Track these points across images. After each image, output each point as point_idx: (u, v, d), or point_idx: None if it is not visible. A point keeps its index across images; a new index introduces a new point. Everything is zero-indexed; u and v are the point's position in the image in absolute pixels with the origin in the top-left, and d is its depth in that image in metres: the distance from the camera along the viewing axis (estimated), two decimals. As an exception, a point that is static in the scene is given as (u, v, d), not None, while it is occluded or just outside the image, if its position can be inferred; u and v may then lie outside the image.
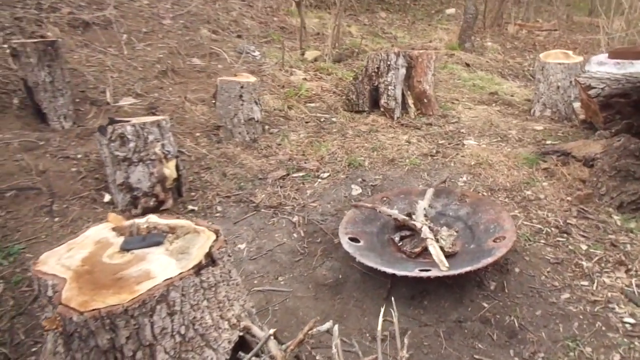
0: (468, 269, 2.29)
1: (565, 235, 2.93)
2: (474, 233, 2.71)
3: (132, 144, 2.92)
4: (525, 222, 3.05)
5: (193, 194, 3.38)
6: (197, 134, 4.13)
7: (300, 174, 3.66)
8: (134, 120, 3.07)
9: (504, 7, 10.16)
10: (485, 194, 3.33)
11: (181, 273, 1.59)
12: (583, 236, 2.91)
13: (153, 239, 1.91)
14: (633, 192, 3.15)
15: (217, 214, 3.20)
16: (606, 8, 8.68)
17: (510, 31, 9.70)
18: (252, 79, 4.06)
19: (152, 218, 2.10)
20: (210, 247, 1.80)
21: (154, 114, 4.28)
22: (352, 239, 2.68)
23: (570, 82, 4.78)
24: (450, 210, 2.95)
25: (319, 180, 3.58)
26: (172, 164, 3.12)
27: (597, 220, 3.04)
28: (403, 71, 4.56)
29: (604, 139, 3.61)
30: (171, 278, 1.55)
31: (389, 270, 2.33)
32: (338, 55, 6.49)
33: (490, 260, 2.33)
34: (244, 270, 2.75)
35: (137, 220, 2.09)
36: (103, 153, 3.01)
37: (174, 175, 3.13)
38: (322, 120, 4.62)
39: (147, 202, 3.05)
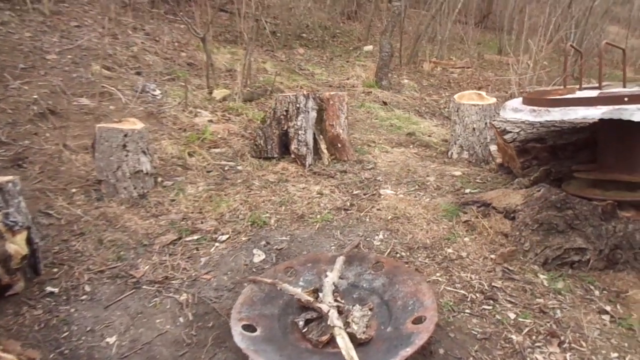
0: (384, 366, 1.87)
1: (491, 301, 2.61)
2: (391, 311, 2.31)
3: (-40, 217, 2.27)
4: (448, 288, 2.70)
5: (56, 270, 2.73)
6: (74, 190, 3.49)
7: (195, 237, 3.12)
8: (-31, 184, 2.42)
9: (418, 45, 10.33)
10: (403, 254, 2.97)
11: None
12: (510, 302, 2.61)
13: None
14: (557, 246, 2.92)
15: (84, 296, 2.57)
16: (514, 48, 9.02)
17: (426, 68, 9.82)
18: (139, 125, 3.51)
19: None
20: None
21: (19, 167, 3.59)
22: (246, 327, 2.19)
23: (486, 123, 4.66)
24: (364, 280, 2.54)
25: (216, 244, 3.06)
26: (21, 237, 2.47)
27: (523, 281, 2.76)
28: (314, 114, 4.21)
29: (523, 187, 3.42)
30: None
31: (288, 374, 1.86)
32: (249, 94, 6.07)
33: (409, 351, 1.93)
34: (111, 374, 2.16)
35: None
36: None
37: (24, 251, 2.48)
38: (226, 169, 4.13)
39: (-16, 289, 2.38)
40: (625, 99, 2.52)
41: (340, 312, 2.22)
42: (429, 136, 5.72)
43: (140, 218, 3.27)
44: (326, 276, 2.41)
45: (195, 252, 2.98)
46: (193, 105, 5.42)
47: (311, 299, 2.23)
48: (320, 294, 2.29)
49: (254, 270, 2.82)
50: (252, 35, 6.52)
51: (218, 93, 5.93)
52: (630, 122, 2.57)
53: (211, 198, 3.56)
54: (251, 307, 2.33)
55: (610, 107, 2.52)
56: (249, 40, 6.38)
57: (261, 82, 7.05)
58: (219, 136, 4.80)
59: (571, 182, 3.32)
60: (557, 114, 2.66)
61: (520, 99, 3.19)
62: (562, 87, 4.81)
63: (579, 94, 3.40)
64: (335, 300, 2.27)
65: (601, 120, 3.05)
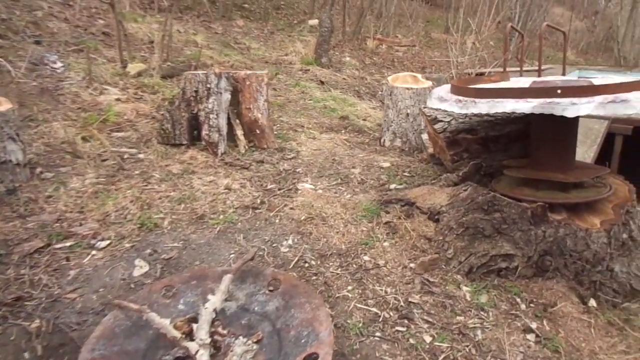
0: None
1: (405, 321, 2.28)
2: (282, 343, 1.93)
3: None
4: (359, 305, 2.35)
5: None
6: None
7: (68, 243, 2.62)
8: None
9: (363, 21, 9.89)
10: (313, 263, 2.59)
11: None
12: (427, 321, 2.29)
13: None
14: (483, 253, 2.63)
15: None
16: (458, 27, 8.74)
17: (370, 46, 9.42)
18: (5, 106, 2.92)
19: None
20: None
21: None
22: (97, 371, 1.75)
23: (420, 109, 4.32)
24: (256, 302, 2.14)
25: (93, 252, 2.57)
26: None
27: (444, 295, 2.45)
28: (227, 96, 3.72)
29: (451, 184, 3.10)
30: None
31: None
32: (169, 70, 5.48)
33: (290, 405, 1.55)
34: None
35: None
36: None
37: None
38: (125, 157, 3.59)
39: None
40: (558, 91, 2.20)
41: (217, 348, 1.82)
42: (364, 120, 5.35)
43: (2, 219, 2.72)
44: (207, 300, 1.99)
45: (64, 263, 2.48)
46: (100, 81, 4.79)
47: (178, 334, 1.81)
48: (195, 326, 1.87)
49: (132, 286, 2.36)
50: (173, 1, 5.87)
51: (133, 67, 5.30)
52: (564, 117, 2.27)
53: (97, 194, 3.04)
54: (110, 341, 1.89)
55: (541, 101, 2.20)
56: (169, 7, 5.73)
57: (187, 56, 6.44)
58: (125, 117, 4.24)
59: (502, 178, 3.03)
60: (484, 106, 2.32)
61: (449, 86, 2.84)
62: (501, 70, 4.53)
63: (512, 82, 3.09)
64: (214, 334, 1.87)
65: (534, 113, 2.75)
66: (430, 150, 3.84)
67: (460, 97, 2.46)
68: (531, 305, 2.48)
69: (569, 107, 2.15)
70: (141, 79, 5.14)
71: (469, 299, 2.45)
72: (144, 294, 2.15)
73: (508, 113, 3.33)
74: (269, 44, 8.86)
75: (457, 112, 2.51)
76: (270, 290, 2.17)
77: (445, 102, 2.54)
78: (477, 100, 2.36)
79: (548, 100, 2.20)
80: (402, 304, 2.37)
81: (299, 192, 3.26)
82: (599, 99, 2.15)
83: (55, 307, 2.22)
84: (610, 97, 2.16)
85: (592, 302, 2.59)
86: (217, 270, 2.28)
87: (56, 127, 3.78)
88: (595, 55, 14.57)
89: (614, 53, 12.18)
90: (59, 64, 4.85)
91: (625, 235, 2.71)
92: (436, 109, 3.50)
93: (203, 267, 2.41)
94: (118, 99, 4.54)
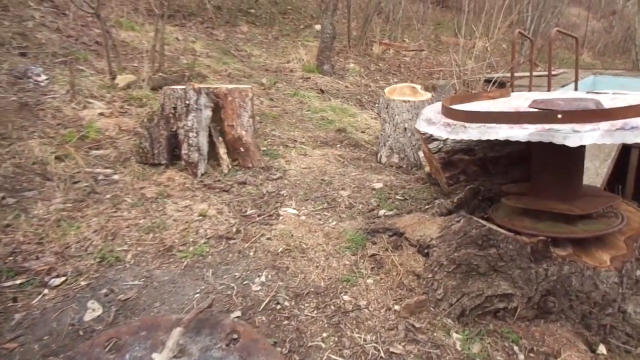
0: None
1: (385, 378, 2.01)
2: (233, 413, 1.68)
3: None
4: (333, 356, 2.08)
5: None
6: None
7: (18, 280, 2.40)
8: None
9: (368, 25, 9.60)
10: (287, 304, 2.33)
11: None
12: (409, 377, 2.02)
13: None
14: (477, 293, 2.34)
15: None
16: (468, 30, 8.41)
17: (376, 51, 9.14)
18: (-39, 130, 2.73)
19: None
20: None
21: None
22: None
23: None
24: (210, 359, 1.89)
25: (45, 291, 2.35)
26: None
27: (431, 344, 2.17)
28: (208, 113, 3.48)
29: (445, 211, 2.81)
30: None
31: None
32: (161, 81, 5.27)
33: None
34: None
35: None
36: None
37: None
38: (98, 178, 3.38)
39: None
40: (559, 116, 1.91)
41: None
42: (363, 132, 5.07)
43: (-48, 254, 2.52)
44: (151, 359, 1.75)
45: (10, 305, 2.26)
46: (85, 94, 4.60)
47: (107, 408, 1.57)
48: (131, 393, 1.63)
49: (81, 333, 2.13)
50: (165, 10, 5.66)
51: (122, 79, 5.11)
52: (566, 143, 1.98)
53: (60, 222, 2.82)
54: (37, 409, 1.65)
55: (539, 127, 1.91)
56: (160, 15, 5.52)
57: (183, 65, 6.24)
58: (107, 134, 4.03)
59: (500, 205, 2.74)
60: (475, 132, 2.04)
61: (439, 105, 2.56)
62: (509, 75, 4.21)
63: (512, 99, 2.80)
64: (153, 402, 1.62)
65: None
66: (427, 168, 3.56)
67: (449, 121, 2.19)
68: (531, 355, 2.18)
69: (570, 135, 1.86)
70: (130, 91, 4.95)
71: (459, 348, 2.16)
72: (84, 348, 1.91)
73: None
74: (272, 50, 8.63)
75: (446, 137, 2.23)
76: (228, 345, 1.92)
77: (433, 125, 2.26)
78: (467, 124, 2.08)
79: (547, 126, 1.91)
80: (382, 354, 2.10)
81: (280, 218, 3.01)
82: (605, 125, 1.85)
83: (-9, 359, 2.00)
84: (618, 123, 1.87)
85: (602, 349, 2.29)
86: (171, 318, 2.03)
87: (31, 145, 3.59)
88: (613, 57, 14.06)
89: (631, 55, 11.71)
90: (43, 77, 4.67)
91: (639, 272, 2.41)
92: (431, 126, 3.22)
93: (156, 316, 2.16)
94: (102, 114, 4.34)
